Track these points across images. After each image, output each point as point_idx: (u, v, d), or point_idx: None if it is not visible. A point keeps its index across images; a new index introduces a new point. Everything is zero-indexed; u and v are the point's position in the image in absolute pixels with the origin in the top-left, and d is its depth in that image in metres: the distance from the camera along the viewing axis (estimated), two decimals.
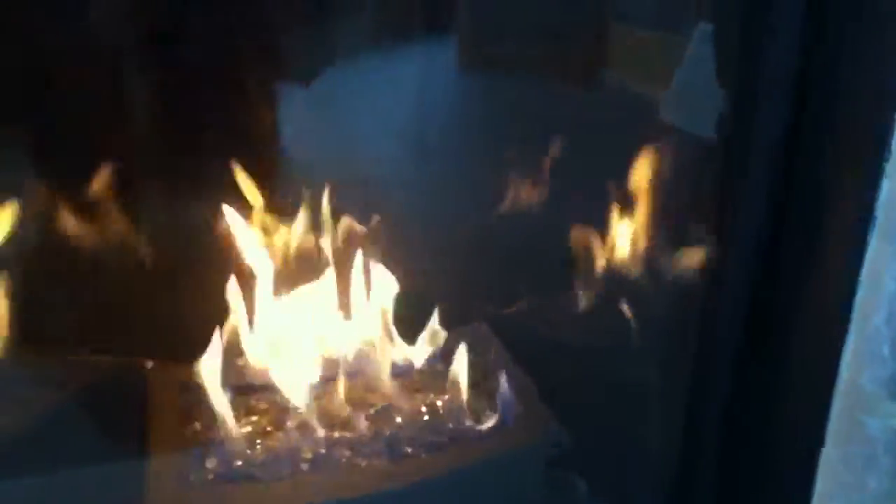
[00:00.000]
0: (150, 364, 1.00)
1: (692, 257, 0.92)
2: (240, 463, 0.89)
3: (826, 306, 0.69)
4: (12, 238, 0.90)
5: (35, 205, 0.95)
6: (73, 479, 0.86)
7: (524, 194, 1.09)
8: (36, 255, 0.96)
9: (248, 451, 0.90)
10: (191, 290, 1.00)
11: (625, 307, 0.98)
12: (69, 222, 0.97)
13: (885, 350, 0.63)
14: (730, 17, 0.86)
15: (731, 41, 0.83)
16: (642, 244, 1.00)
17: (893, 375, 0.62)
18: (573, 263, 1.04)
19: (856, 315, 0.64)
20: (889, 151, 0.59)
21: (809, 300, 0.75)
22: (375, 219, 1.04)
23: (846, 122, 0.67)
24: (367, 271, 0.98)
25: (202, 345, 0.98)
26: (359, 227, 1.03)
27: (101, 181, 0.97)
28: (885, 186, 0.58)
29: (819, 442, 0.71)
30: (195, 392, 0.94)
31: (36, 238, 0.95)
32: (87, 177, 0.97)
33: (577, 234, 1.04)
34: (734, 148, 0.80)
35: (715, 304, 0.85)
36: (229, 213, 0.95)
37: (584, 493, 0.99)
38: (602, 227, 1.03)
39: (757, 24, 0.73)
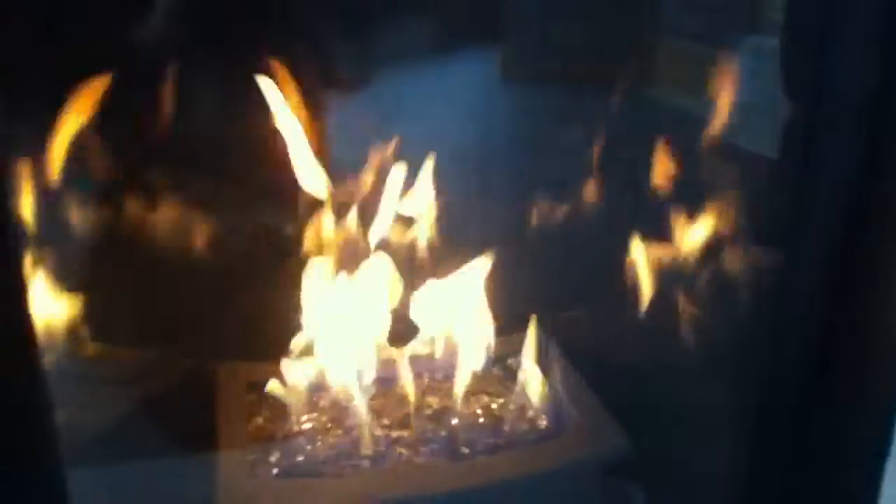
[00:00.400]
0: (218, 363, 1.03)
1: (758, 271, 0.91)
2: (302, 458, 0.91)
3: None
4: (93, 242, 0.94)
5: (110, 208, 1.00)
6: (146, 472, 0.89)
7: (581, 205, 1.10)
8: (112, 259, 1.00)
9: (310, 448, 0.92)
10: (257, 293, 1.03)
11: (689, 318, 0.98)
12: (143, 226, 1.01)
13: None
14: (793, 27, 0.85)
15: (796, 53, 0.83)
16: (707, 256, 1.00)
17: None
18: (634, 274, 1.05)
19: None
20: None
21: (877, 317, 0.74)
22: (436, 226, 1.06)
23: None
24: (427, 275, 1.00)
25: (267, 345, 1.02)
26: (420, 233, 1.05)
27: (172, 184, 1.01)
28: None
29: (884, 453, 0.71)
30: (260, 390, 0.98)
31: (113, 242, 0.99)
32: (159, 179, 1.01)
33: (638, 244, 1.04)
34: (804, 166, 0.79)
35: (783, 318, 0.84)
36: (294, 213, 0.98)
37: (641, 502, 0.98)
38: (661, 238, 1.03)
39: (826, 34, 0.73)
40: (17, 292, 0.56)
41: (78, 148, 0.89)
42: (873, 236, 0.73)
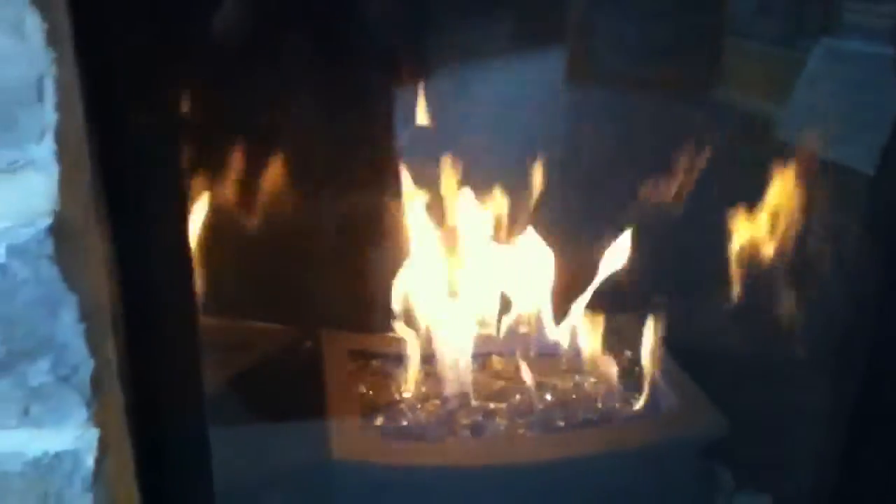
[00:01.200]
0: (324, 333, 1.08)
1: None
2: (406, 423, 0.95)
3: None
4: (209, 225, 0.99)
5: (222, 193, 1.05)
6: (264, 433, 0.94)
7: (672, 201, 1.11)
8: (230, 242, 1.05)
9: (413, 415, 0.96)
10: (359, 269, 1.08)
11: (788, 309, 1.00)
12: (258, 210, 1.06)
13: None
14: None
15: None
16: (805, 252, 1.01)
17: None
18: (731, 265, 1.06)
19: None
20: None
21: None
22: (529, 208, 1.09)
23: None
24: (526, 256, 1.03)
25: (367, 316, 1.06)
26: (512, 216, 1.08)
27: (278, 170, 1.06)
28: None
29: None
30: (361, 359, 1.02)
31: (230, 225, 1.05)
32: (265, 165, 1.06)
33: (736, 237, 1.06)
34: None
35: (884, 311, 0.85)
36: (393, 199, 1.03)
37: (730, 485, 1.00)
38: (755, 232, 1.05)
39: None
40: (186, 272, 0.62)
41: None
42: None
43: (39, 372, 0.51)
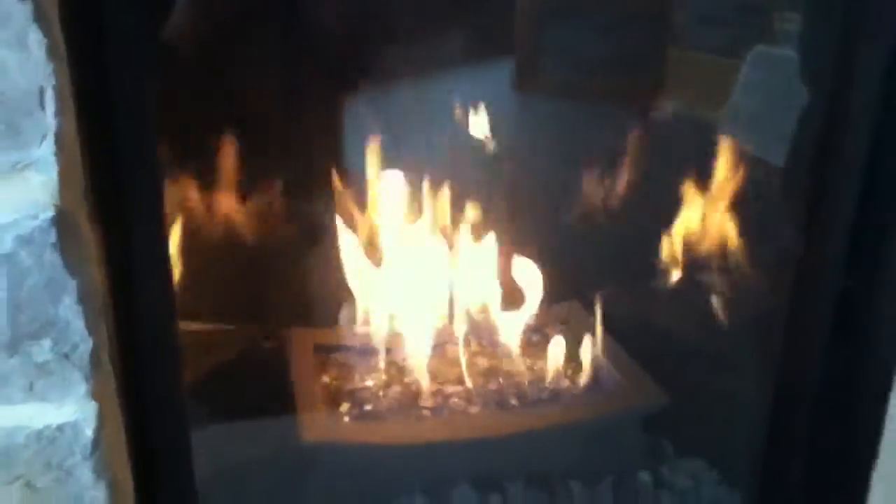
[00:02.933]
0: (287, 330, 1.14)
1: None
2: (369, 408, 1.02)
3: None
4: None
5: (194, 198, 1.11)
6: (242, 423, 1.00)
7: (610, 196, 1.20)
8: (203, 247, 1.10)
9: (375, 401, 1.03)
10: (317, 270, 1.14)
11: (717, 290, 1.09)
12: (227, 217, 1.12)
13: None
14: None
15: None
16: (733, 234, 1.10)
17: None
18: (669, 257, 1.15)
19: None
20: None
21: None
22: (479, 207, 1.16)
23: None
24: (476, 252, 1.11)
25: (328, 314, 1.13)
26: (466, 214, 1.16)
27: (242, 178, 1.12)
28: None
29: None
30: (325, 352, 1.09)
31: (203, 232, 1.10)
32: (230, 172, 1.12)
33: (666, 225, 1.14)
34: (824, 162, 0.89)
35: (806, 288, 0.94)
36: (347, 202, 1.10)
37: (672, 455, 1.08)
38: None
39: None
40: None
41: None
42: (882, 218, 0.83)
43: (43, 350, 0.57)
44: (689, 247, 1.14)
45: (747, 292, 1.09)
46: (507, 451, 1.01)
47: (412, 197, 1.12)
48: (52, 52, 0.51)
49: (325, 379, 1.07)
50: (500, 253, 1.12)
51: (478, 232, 1.14)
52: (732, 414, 1.06)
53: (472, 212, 1.15)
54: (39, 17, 0.50)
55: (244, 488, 0.93)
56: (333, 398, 1.04)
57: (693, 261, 1.14)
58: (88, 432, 0.59)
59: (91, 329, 0.57)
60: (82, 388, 0.58)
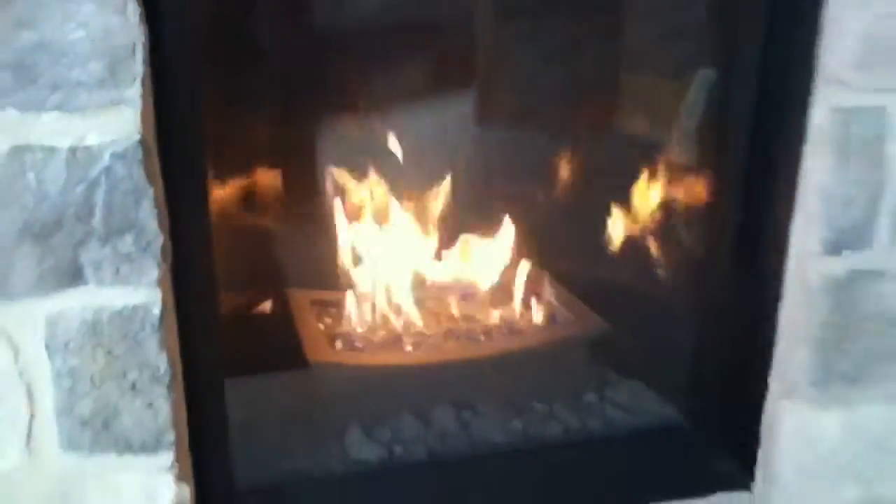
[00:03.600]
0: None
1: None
2: (360, 346, 1.21)
3: (783, 214, 1.00)
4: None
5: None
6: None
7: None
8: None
9: (365, 340, 1.22)
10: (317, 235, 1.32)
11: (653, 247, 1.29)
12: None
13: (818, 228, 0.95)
14: None
15: None
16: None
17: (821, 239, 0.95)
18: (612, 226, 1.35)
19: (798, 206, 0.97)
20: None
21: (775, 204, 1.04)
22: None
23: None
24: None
25: (324, 274, 1.32)
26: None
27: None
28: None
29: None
30: (321, 306, 1.28)
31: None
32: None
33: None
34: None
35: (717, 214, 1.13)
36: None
37: (614, 379, 1.28)
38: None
39: None
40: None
41: None
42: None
43: (126, 244, 0.76)
44: (628, 209, 1.34)
45: (675, 243, 1.29)
46: (479, 377, 1.21)
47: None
48: (141, 18, 0.71)
49: (323, 325, 1.26)
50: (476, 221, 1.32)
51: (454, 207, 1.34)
52: (662, 341, 1.26)
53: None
54: None
55: (263, 399, 1.11)
56: (330, 338, 1.22)
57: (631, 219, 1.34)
58: (156, 312, 0.78)
59: (161, 230, 0.77)
60: (154, 276, 0.77)
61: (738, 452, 1.13)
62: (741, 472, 1.12)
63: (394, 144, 1.29)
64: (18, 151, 0.71)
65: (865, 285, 0.99)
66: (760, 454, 1.11)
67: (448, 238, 1.33)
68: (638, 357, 1.28)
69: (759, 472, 1.11)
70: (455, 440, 1.16)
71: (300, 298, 1.31)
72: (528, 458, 1.14)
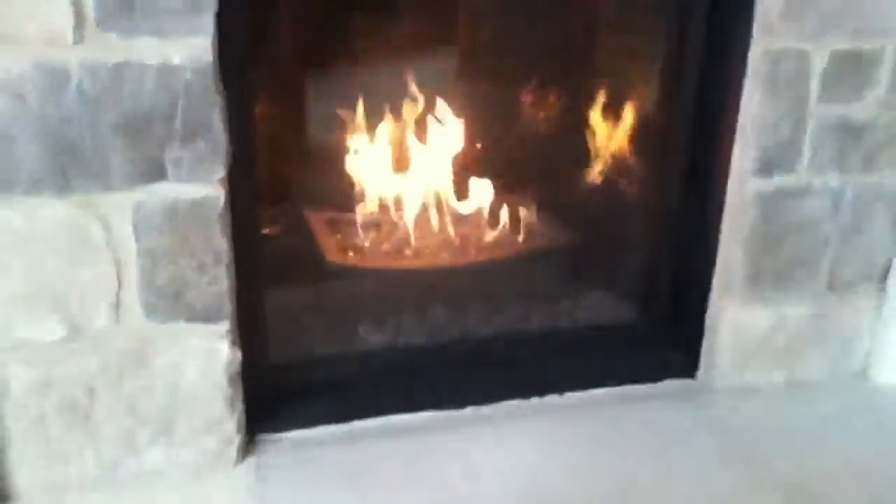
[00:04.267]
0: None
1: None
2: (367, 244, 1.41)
3: (726, 140, 1.21)
4: None
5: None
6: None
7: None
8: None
9: (374, 248, 1.42)
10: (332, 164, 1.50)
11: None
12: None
13: (752, 151, 1.16)
14: None
15: None
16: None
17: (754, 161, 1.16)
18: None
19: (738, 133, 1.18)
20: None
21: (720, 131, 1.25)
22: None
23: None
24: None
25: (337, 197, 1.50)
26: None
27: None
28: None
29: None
30: (334, 224, 1.48)
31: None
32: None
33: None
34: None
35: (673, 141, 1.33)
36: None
37: (582, 284, 1.49)
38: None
39: None
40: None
41: None
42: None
43: (199, 146, 0.94)
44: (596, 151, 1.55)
45: (636, 167, 1.49)
46: (468, 282, 1.41)
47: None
48: None
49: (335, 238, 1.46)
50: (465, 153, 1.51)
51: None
52: (623, 252, 1.48)
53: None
54: None
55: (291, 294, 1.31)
56: (343, 248, 1.42)
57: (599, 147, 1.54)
58: (221, 202, 0.97)
59: (227, 135, 0.95)
60: (220, 174, 0.96)
61: (686, 345, 1.35)
62: (688, 361, 1.35)
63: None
64: (119, 67, 0.89)
65: (789, 200, 1.22)
66: (704, 346, 1.33)
67: (441, 168, 1.52)
68: (602, 265, 1.49)
69: (702, 362, 1.34)
70: (446, 332, 1.37)
71: (317, 217, 1.50)
72: (508, 348, 1.35)
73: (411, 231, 1.44)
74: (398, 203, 1.46)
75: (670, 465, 1.15)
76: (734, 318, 1.28)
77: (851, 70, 1.17)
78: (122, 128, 0.91)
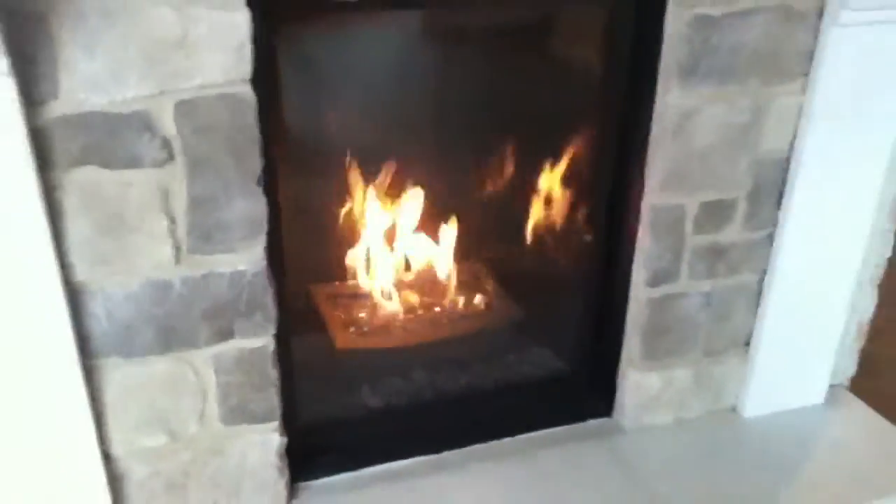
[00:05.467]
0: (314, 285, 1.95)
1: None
2: (365, 328, 1.86)
3: (626, 265, 1.66)
4: None
5: None
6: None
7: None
8: None
9: (367, 324, 1.87)
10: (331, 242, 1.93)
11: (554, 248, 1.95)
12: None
13: (643, 272, 1.62)
14: None
15: None
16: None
17: (646, 278, 1.63)
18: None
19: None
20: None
21: (624, 264, 1.71)
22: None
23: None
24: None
25: (334, 271, 1.93)
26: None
27: None
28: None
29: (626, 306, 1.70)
30: (333, 298, 1.92)
31: None
32: None
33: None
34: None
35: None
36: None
37: (527, 345, 1.96)
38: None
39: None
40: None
41: None
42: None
43: (257, 317, 1.38)
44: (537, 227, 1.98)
45: (569, 246, 1.94)
46: (441, 348, 1.88)
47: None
48: None
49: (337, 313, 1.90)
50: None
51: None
52: (561, 325, 1.95)
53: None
54: None
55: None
56: (342, 323, 1.87)
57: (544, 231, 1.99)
58: (271, 349, 1.42)
59: (276, 309, 1.39)
60: (272, 331, 1.40)
61: (605, 395, 1.84)
62: (606, 406, 1.84)
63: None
64: (205, 276, 1.32)
65: (673, 301, 1.68)
66: (616, 399, 1.82)
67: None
68: (544, 332, 1.96)
69: (615, 409, 1.83)
70: (426, 390, 1.84)
71: (321, 290, 1.94)
72: (470, 400, 1.83)
73: (399, 311, 1.89)
74: (384, 281, 1.91)
75: (594, 489, 1.64)
76: (635, 380, 1.76)
77: (716, 212, 1.61)
78: (206, 312, 1.35)
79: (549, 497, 1.63)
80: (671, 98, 1.48)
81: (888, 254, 1.82)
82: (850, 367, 1.96)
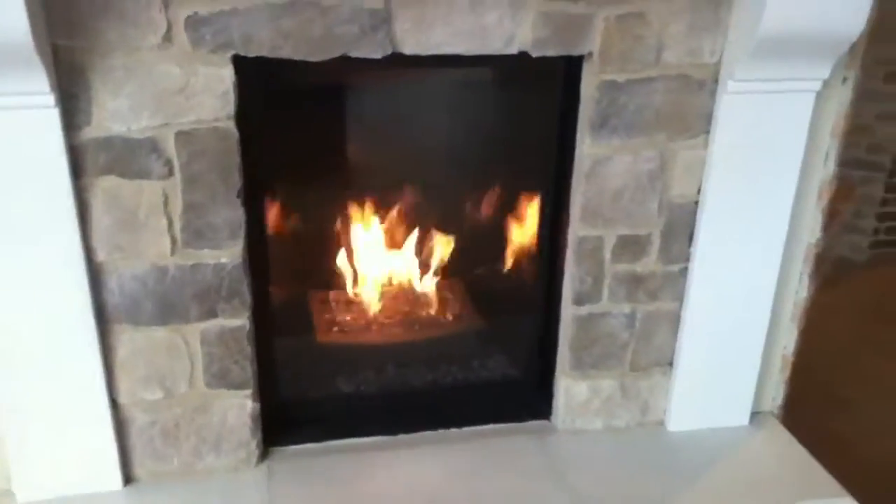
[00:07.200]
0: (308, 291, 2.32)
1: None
2: (348, 328, 2.22)
3: (557, 285, 1.96)
4: None
5: None
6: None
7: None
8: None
9: (351, 325, 2.22)
10: (325, 252, 2.30)
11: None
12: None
13: (569, 293, 1.92)
14: None
15: None
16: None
17: (572, 297, 1.92)
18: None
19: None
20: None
21: (555, 284, 2.01)
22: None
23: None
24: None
25: (329, 279, 2.30)
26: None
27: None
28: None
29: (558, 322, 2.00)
30: (324, 303, 2.28)
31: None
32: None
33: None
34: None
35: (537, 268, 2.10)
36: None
37: (488, 353, 2.27)
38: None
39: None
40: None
41: None
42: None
43: (235, 302, 1.76)
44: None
45: (521, 267, 2.24)
46: (411, 349, 2.21)
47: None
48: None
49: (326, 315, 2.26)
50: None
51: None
52: (512, 332, 2.25)
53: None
54: None
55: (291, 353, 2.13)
56: (331, 323, 2.23)
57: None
58: (247, 328, 1.79)
59: (251, 296, 1.77)
60: (248, 314, 1.78)
61: (545, 400, 2.13)
62: (546, 409, 2.13)
63: None
64: (194, 266, 1.71)
65: (597, 320, 1.97)
66: (554, 400, 2.11)
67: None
68: (500, 340, 2.27)
69: (553, 410, 2.11)
70: (394, 382, 2.17)
71: (315, 296, 2.32)
72: (429, 393, 2.16)
73: (377, 310, 2.24)
74: (367, 290, 2.26)
75: (518, 479, 1.93)
76: (566, 387, 2.05)
77: (631, 245, 1.90)
78: (195, 294, 1.73)
79: (481, 478, 1.93)
80: (585, 147, 1.80)
81: (804, 293, 2.05)
82: (778, 396, 2.18)
